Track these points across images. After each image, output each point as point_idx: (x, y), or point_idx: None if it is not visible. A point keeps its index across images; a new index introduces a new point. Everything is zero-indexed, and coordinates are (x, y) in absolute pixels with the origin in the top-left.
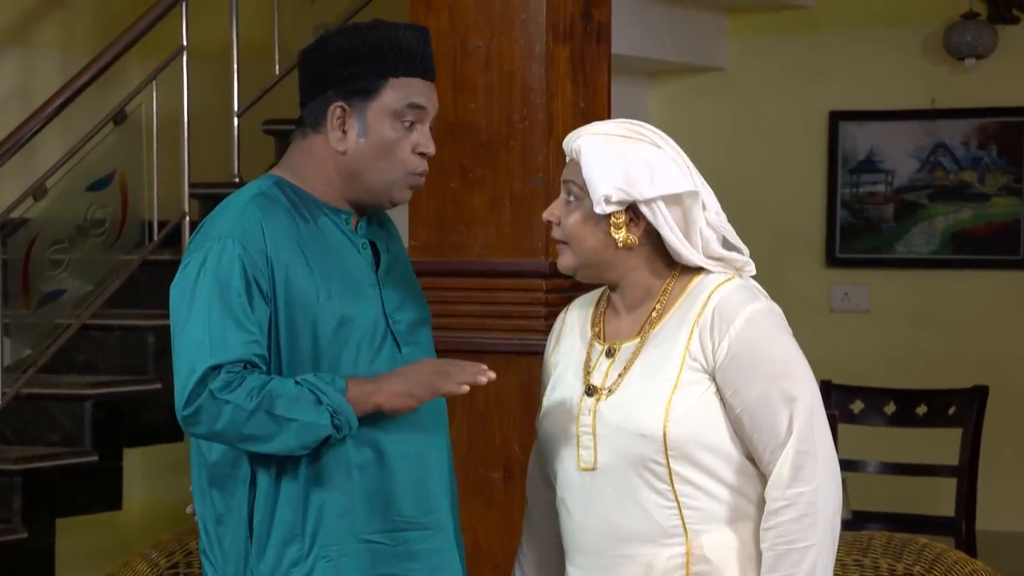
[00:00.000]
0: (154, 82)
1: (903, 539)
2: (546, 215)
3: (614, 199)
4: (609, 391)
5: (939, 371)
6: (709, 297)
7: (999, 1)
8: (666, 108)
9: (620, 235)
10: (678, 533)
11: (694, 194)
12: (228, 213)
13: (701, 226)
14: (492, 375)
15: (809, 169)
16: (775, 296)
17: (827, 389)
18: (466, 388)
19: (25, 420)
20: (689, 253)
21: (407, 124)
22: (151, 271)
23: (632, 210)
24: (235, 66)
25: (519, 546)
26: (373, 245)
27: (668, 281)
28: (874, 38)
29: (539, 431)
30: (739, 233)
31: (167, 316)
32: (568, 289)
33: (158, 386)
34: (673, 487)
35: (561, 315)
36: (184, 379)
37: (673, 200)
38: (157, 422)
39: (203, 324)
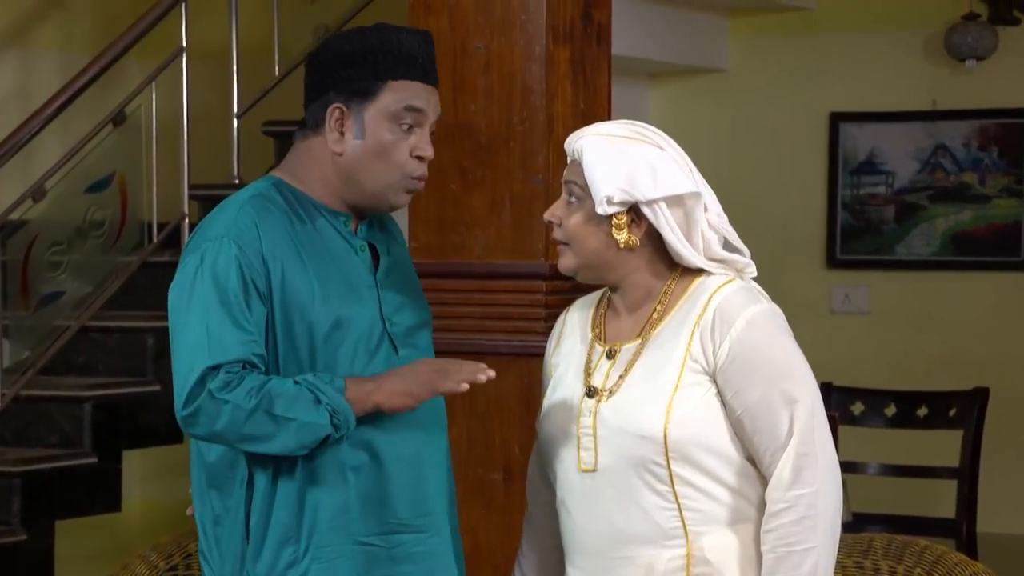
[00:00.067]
0: (153, 83)
1: (904, 541)
2: (547, 216)
3: (616, 200)
4: (610, 392)
5: (940, 373)
6: (710, 299)
7: (1000, 2)
8: (666, 109)
9: (622, 236)
10: (678, 535)
11: (696, 195)
12: (225, 214)
13: (703, 228)
14: (492, 373)
15: (809, 170)
16: (775, 298)
17: (828, 391)
18: (465, 386)
19: (24, 422)
20: (690, 255)
21: (405, 127)
22: (150, 273)
23: (634, 211)
24: (235, 67)
25: (519, 547)
26: (372, 247)
27: (669, 282)
28: (875, 39)
29: (539, 432)
30: (739, 234)
31: (166, 318)
32: (568, 291)
33: (157, 388)
34: (674, 489)
35: (561, 316)
36: (183, 379)
37: (675, 201)
38: (156, 424)
39: (201, 324)
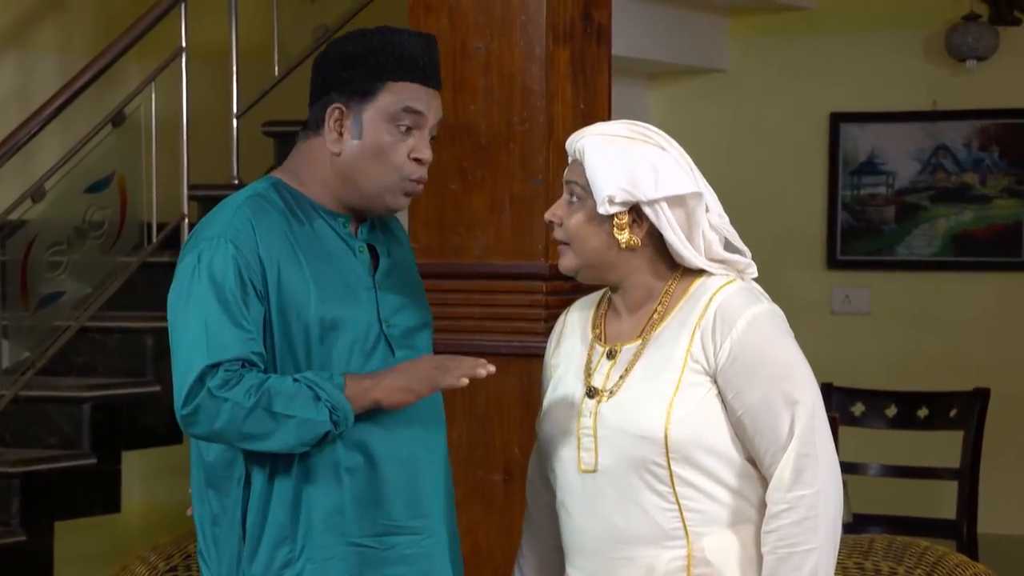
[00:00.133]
0: (153, 83)
1: (904, 542)
2: (548, 216)
3: (618, 200)
4: (610, 393)
5: (940, 373)
6: (711, 299)
7: (1000, 2)
8: (667, 110)
9: (623, 236)
10: (679, 535)
11: (698, 196)
12: (222, 215)
13: (704, 228)
14: (492, 368)
15: (810, 171)
16: (776, 298)
17: (828, 392)
18: (465, 381)
19: (23, 422)
20: (691, 255)
21: (403, 129)
22: (150, 273)
23: (635, 211)
24: (234, 67)
25: (519, 548)
26: (372, 249)
27: (670, 283)
28: (875, 39)
29: (539, 433)
30: (740, 235)
31: (166, 319)
32: (568, 291)
33: (157, 388)
34: (674, 489)
35: (562, 317)
36: (182, 378)
37: (677, 202)
38: (156, 424)
39: (199, 323)
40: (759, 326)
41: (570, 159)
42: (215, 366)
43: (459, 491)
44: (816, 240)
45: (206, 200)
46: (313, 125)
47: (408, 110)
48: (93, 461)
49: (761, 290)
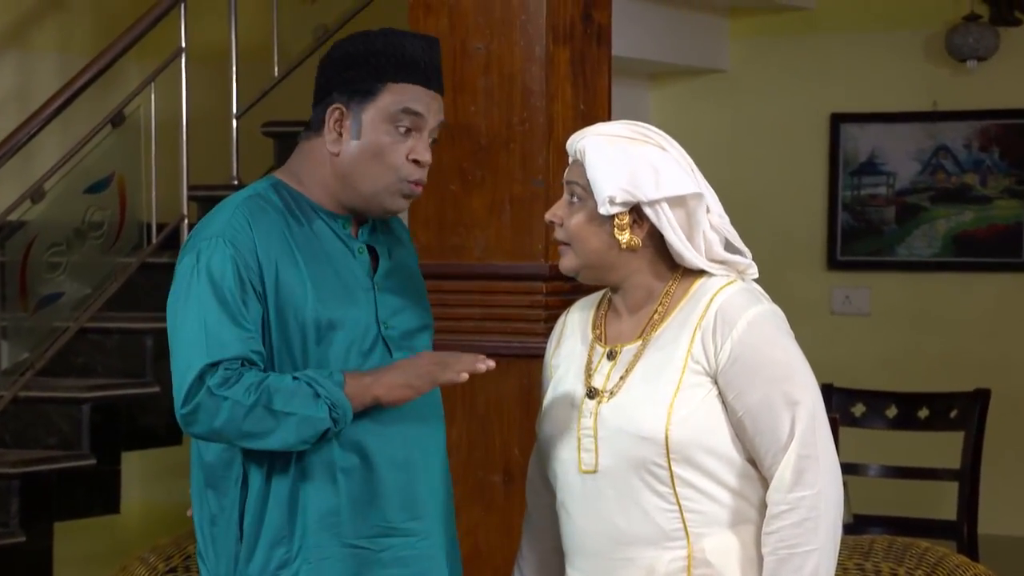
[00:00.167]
0: (153, 84)
1: (905, 543)
2: (548, 216)
3: (619, 200)
4: (611, 393)
5: (941, 374)
6: (711, 300)
7: (1001, 3)
8: (667, 110)
9: (624, 237)
10: (679, 536)
11: (699, 196)
12: (220, 215)
13: (704, 229)
14: (491, 363)
15: (810, 171)
16: (776, 299)
17: (828, 392)
18: (465, 376)
19: (23, 423)
20: (692, 256)
21: (402, 130)
22: (149, 274)
23: (636, 212)
24: (234, 68)
25: (519, 549)
26: (372, 250)
27: (670, 283)
28: (875, 40)
29: (539, 434)
30: (740, 235)
31: (165, 319)
32: (568, 292)
33: (156, 389)
34: (675, 490)
35: (562, 317)
36: (182, 377)
37: (677, 202)
38: (155, 425)
39: (199, 323)
40: (760, 327)
41: (571, 159)
42: (215, 365)
43: (459, 492)
44: (816, 240)
45: (206, 200)
46: (314, 126)
47: (407, 111)
48: (92, 462)
49: (762, 291)
